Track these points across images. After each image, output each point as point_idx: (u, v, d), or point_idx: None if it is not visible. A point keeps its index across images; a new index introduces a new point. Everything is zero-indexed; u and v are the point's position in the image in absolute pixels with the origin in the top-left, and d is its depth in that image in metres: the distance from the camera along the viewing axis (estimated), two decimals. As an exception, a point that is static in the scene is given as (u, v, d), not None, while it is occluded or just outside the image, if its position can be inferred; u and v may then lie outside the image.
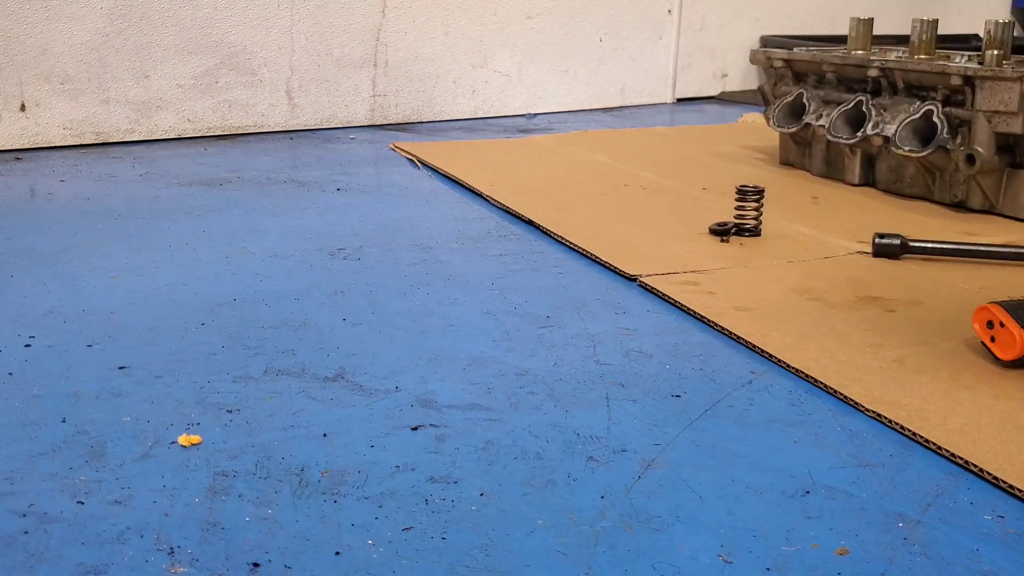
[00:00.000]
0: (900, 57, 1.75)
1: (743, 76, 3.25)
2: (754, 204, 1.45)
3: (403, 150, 2.15)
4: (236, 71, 2.33)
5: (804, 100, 1.89)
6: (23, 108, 2.10)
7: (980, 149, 1.56)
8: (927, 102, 1.65)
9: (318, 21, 2.42)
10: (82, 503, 0.72)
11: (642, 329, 1.10)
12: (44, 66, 2.11)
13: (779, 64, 1.96)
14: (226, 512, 0.72)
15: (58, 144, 2.15)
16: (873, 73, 1.75)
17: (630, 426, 0.86)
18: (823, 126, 1.82)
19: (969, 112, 1.59)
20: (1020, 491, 0.75)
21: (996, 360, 0.99)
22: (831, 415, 0.89)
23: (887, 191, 1.77)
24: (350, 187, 1.81)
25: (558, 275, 1.29)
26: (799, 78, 1.95)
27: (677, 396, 0.93)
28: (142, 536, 0.68)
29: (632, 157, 2.08)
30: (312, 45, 2.42)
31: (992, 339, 0.99)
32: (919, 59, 1.71)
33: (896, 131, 1.66)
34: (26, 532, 0.69)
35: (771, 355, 1.01)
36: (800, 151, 1.96)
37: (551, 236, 1.47)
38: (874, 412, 0.89)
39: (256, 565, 0.66)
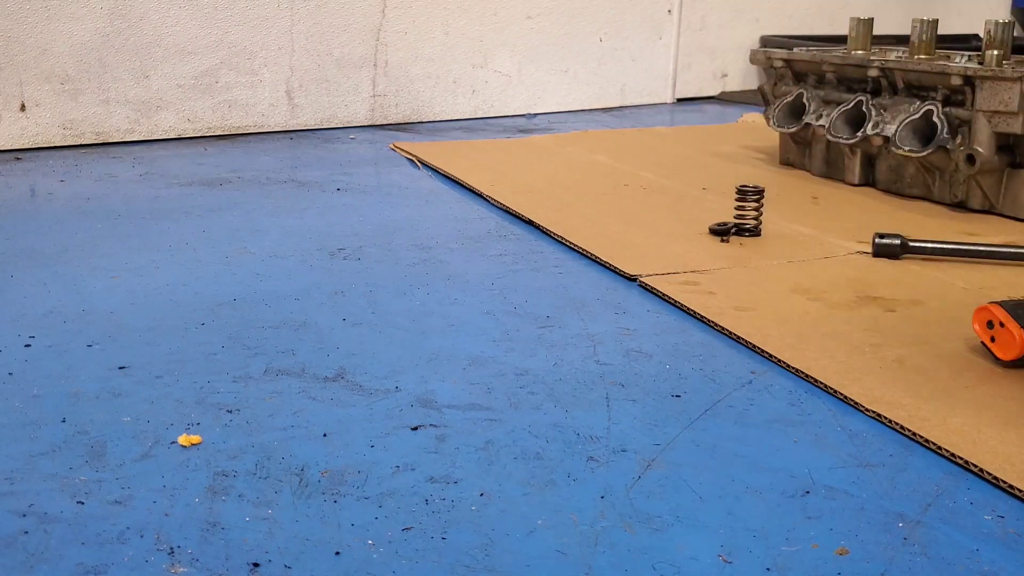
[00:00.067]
0: (900, 57, 1.75)
1: (743, 76, 3.25)
2: (754, 204, 1.45)
3: (403, 150, 2.15)
4: (236, 71, 2.33)
5: (804, 100, 1.89)
6: (23, 108, 2.10)
7: (980, 149, 1.56)
8: (927, 102, 1.65)
9: (318, 21, 2.42)
10: (82, 503, 0.72)
11: (642, 329, 1.10)
12: (44, 66, 2.11)
13: (779, 64, 1.96)
14: (226, 512, 0.72)
15: (58, 144, 2.15)
16: (873, 73, 1.75)
17: (630, 426, 0.86)
18: (823, 126, 1.82)
19: (969, 112, 1.59)
20: (1020, 491, 0.75)
21: (996, 360, 0.99)
22: (831, 415, 0.89)
23: (887, 191, 1.77)
24: (350, 187, 1.81)
25: (558, 275, 1.29)
26: (799, 78, 1.95)
27: (677, 396, 0.93)
28: (142, 536, 0.68)
29: (632, 157, 2.08)
30: (312, 45, 2.42)
31: (992, 339, 0.99)
32: (919, 59, 1.71)
33: (896, 131, 1.66)
34: (26, 532, 0.69)
35: (771, 355, 1.01)
36: (800, 151, 1.96)
37: (551, 236, 1.47)
38: (874, 412, 0.89)
39: (256, 565, 0.66)
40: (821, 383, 0.95)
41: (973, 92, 1.58)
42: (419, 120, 2.62)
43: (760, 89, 2.04)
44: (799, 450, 0.83)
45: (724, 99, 3.17)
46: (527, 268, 1.32)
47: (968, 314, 1.07)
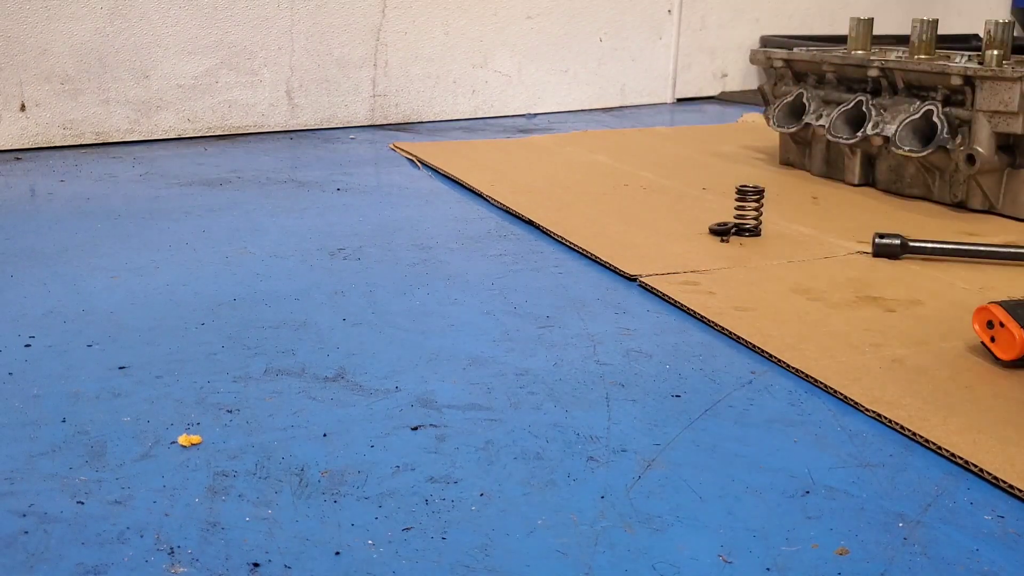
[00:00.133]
0: (900, 57, 1.75)
1: (743, 76, 3.25)
2: (754, 204, 1.45)
3: (403, 150, 2.15)
4: (236, 71, 2.33)
5: (804, 100, 1.89)
6: (23, 108, 2.10)
7: (980, 149, 1.56)
8: (927, 102, 1.65)
9: (318, 21, 2.42)
10: (82, 503, 0.72)
11: (642, 329, 1.10)
12: (44, 66, 2.11)
13: (779, 64, 1.96)
14: (226, 512, 0.72)
15: (58, 144, 2.15)
16: (873, 73, 1.75)
17: (630, 426, 0.86)
18: (823, 126, 1.82)
19: (969, 112, 1.59)
20: (1020, 491, 0.75)
21: (996, 360, 0.99)
22: (831, 415, 0.89)
23: (887, 191, 1.77)
24: (350, 187, 1.81)
25: (558, 275, 1.29)
26: (799, 78, 1.95)
27: (677, 396, 0.93)
28: (142, 536, 0.68)
29: (632, 157, 2.08)
30: (312, 45, 2.42)
31: (992, 339, 0.99)
32: (919, 59, 1.71)
33: (896, 131, 1.66)
34: (26, 532, 0.69)
35: (771, 355, 1.01)
36: (800, 151, 1.96)
37: (551, 236, 1.47)
38: (874, 412, 0.89)
39: (256, 565, 0.66)
40: (821, 383, 0.95)
41: (973, 92, 1.58)
42: (419, 120, 2.62)
43: (760, 89, 2.04)
44: (799, 450, 0.83)
45: (724, 99, 3.17)
46: (527, 268, 1.32)
47: (968, 314, 1.07)
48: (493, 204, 1.67)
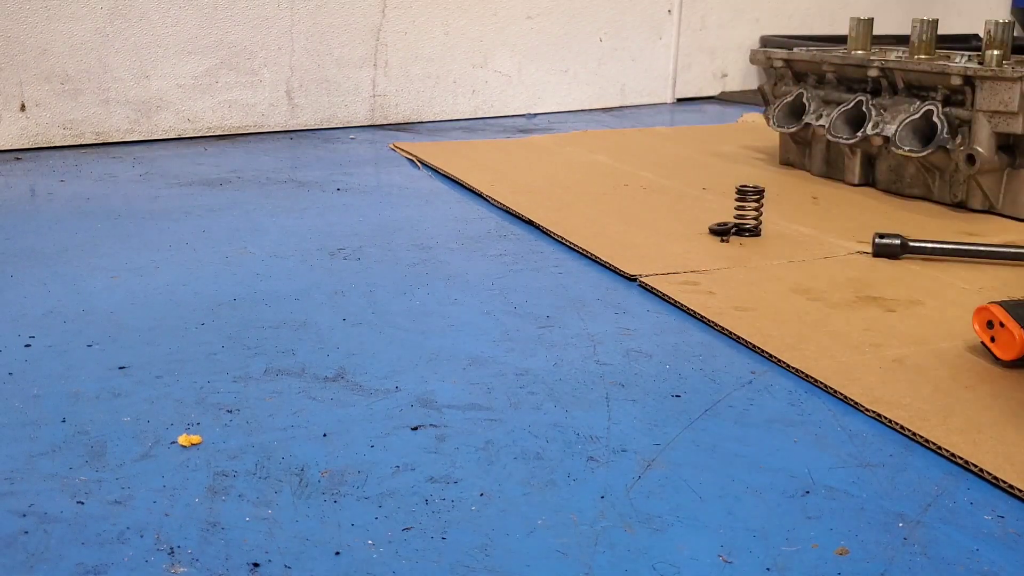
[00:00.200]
0: (900, 57, 1.75)
1: (743, 76, 3.25)
2: (754, 204, 1.45)
3: (403, 150, 2.15)
4: (236, 71, 2.33)
5: (804, 100, 1.89)
6: (23, 108, 2.10)
7: (980, 149, 1.56)
8: (927, 102, 1.65)
9: (318, 21, 2.42)
10: (82, 503, 0.72)
11: (642, 329, 1.10)
12: (44, 66, 2.11)
13: (779, 64, 1.96)
14: (226, 512, 0.72)
15: (58, 144, 2.15)
16: (873, 73, 1.75)
17: (630, 426, 0.86)
18: (823, 126, 1.82)
19: (969, 112, 1.59)
20: (1020, 491, 0.75)
21: (996, 360, 0.99)
22: (831, 415, 0.89)
23: (887, 191, 1.77)
24: (350, 187, 1.81)
25: (558, 275, 1.29)
26: (799, 78, 1.95)
27: (677, 396, 0.93)
28: (142, 536, 0.68)
29: (632, 157, 2.08)
30: (312, 45, 2.42)
31: (992, 339, 0.99)
32: (919, 59, 1.71)
33: (896, 131, 1.66)
34: (26, 532, 0.69)
35: (771, 355, 1.01)
36: (800, 151, 1.96)
37: (551, 236, 1.47)
38: (874, 412, 0.89)
39: (256, 565, 0.66)
40: (821, 383, 0.95)
41: (973, 92, 1.58)
42: (419, 120, 2.62)
43: (760, 89, 2.05)
44: (799, 450, 0.83)
45: (724, 99, 3.17)
46: (527, 268, 1.32)
47: (968, 314, 1.07)
48: (493, 204, 1.67)
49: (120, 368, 0.97)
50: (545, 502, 0.74)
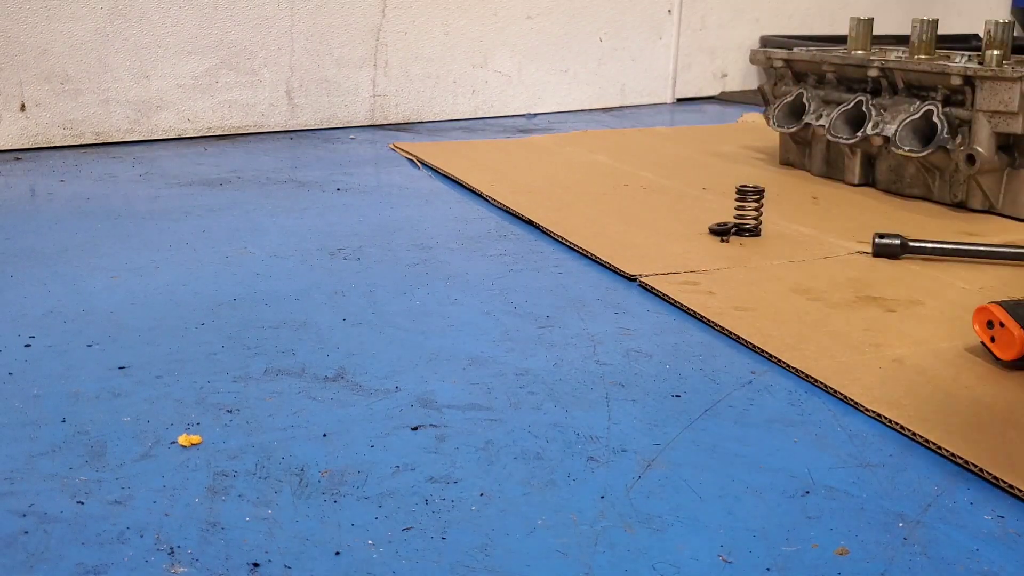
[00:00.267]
0: (900, 57, 1.75)
1: (743, 76, 3.25)
2: (754, 204, 1.45)
3: (403, 150, 2.15)
4: (236, 71, 2.33)
5: (804, 100, 1.89)
6: (23, 108, 2.10)
7: (980, 149, 1.56)
8: (927, 102, 1.65)
9: (318, 21, 2.42)
10: (82, 503, 0.72)
11: (642, 329, 1.10)
12: (44, 66, 2.11)
13: (779, 64, 1.96)
14: (226, 512, 0.72)
15: (58, 144, 2.15)
16: (873, 73, 1.75)
17: (630, 426, 0.86)
18: (823, 126, 1.82)
19: (969, 112, 1.59)
20: (1020, 491, 0.75)
21: (996, 360, 0.99)
22: (831, 415, 0.89)
23: (887, 191, 1.77)
24: (350, 187, 1.81)
25: (558, 275, 1.29)
26: (799, 78, 1.95)
27: (677, 396, 0.93)
28: (142, 536, 0.68)
29: (632, 157, 2.08)
30: (312, 45, 2.42)
31: (992, 339, 0.99)
32: (919, 59, 1.71)
33: (896, 131, 1.66)
34: (26, 532, 0.69)
35: (771, 355, 1.01)
36: (800, 151, 1.96)
37: (551, 236, 1.47)
38: (874, 412, 0.89)
39: (256, 565, 0.66)
40: (821, 383, 0.95)
41: (973, 92, 1.58)
42: (419, 120, 2.62)
43: (760, 89, 2.04)
44: (799, 450, 0.83)
45: (724, 99, 3.17)
46: (527, 268, 1.32)
47: (968, 314, 1.07)
48: (493, 204, 1.67)
49: (120, 368, 0.97)
50: (545, 502, 0.74)
